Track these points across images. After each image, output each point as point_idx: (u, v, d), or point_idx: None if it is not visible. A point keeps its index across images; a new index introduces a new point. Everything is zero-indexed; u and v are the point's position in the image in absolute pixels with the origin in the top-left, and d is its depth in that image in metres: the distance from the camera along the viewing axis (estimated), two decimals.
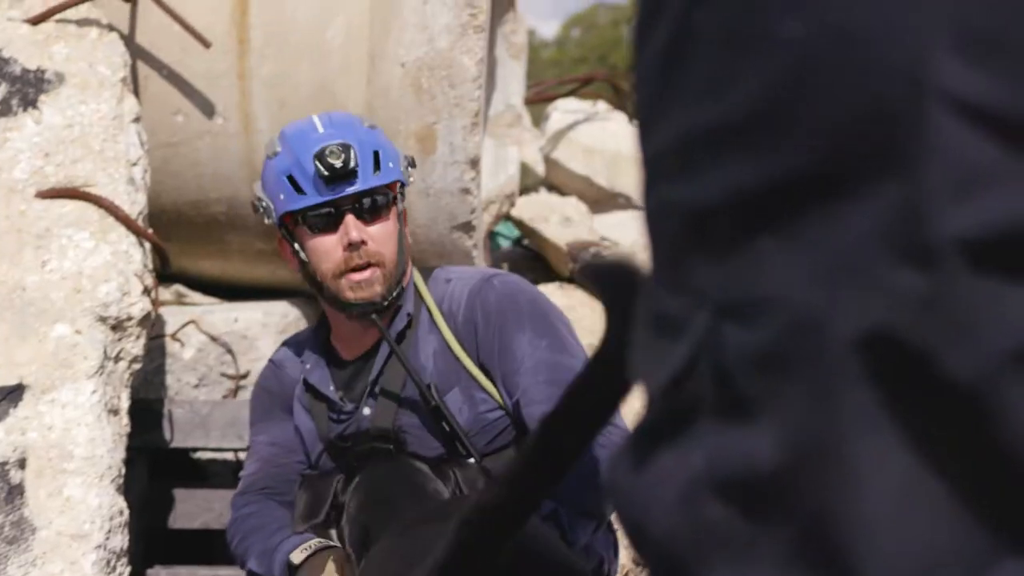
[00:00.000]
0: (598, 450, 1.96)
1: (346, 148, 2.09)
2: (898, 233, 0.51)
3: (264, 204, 2.17)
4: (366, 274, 2.12)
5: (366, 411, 2.17)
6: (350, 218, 2.10)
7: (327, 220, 2.12)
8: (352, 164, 2.08)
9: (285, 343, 2.41)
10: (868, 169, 0.52)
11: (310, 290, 2.25)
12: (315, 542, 2.09)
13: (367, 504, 1.99)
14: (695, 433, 0.58)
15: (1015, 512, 0.52)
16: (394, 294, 2.14)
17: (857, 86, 0.52)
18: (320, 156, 2.08)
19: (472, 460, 2.09)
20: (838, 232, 0.53)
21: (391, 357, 2.16)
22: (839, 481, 0.53)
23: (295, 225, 2.15)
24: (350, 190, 2.09)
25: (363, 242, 2.10)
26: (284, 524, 2.18)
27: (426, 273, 2.27)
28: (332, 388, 2.23)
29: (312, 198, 2.10)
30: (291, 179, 2.11)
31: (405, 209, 2.22)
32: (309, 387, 2.25)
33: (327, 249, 2.12)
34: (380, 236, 2.12)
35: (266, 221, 2.19)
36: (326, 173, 2.07)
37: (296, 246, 2.15)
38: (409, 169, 2.22)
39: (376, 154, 2.12)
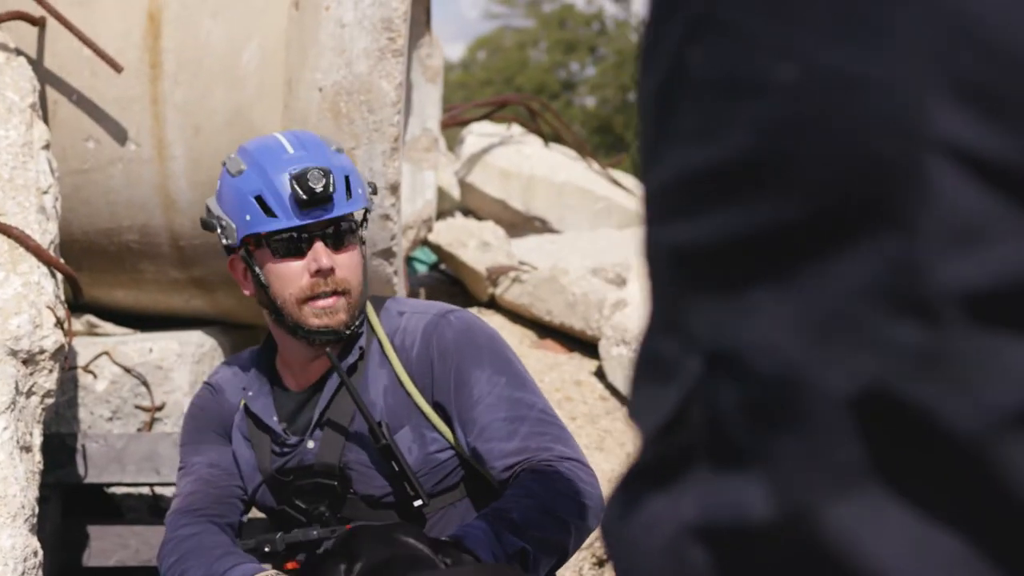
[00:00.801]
0: (558, 483, 1.93)
1: (326, 173, 2.02)
2: (895, 286, 0.50)
3: (224, 223, 2.10)
4: (330, 301, 2.06)
5: (310, 444, 2.12)
6: (319, 244, 2.04)
7: (295, 245, 2.05)
8: (331, 190, 2.02)
9: (225, 364, 2.32)
10: (864, 220, 0.51)
11: (265, 314, 2.16)
12: (271, 572, 2.03)
13: None
14: (687, 480, 0.56)
15: None
16: (356, 323, 2.10)
17: (852, 135, 0.51)
18: (300, 179, 2.01)
19: (420, 501, 2.04)
20: (832, 284, 0.52)
21: (339, 390, 2.11)
22: (838, 538, 0.52)
23: (256, 247, 2.09)
24: (325, 216, 2.02)
25: (332, 269, 2.05)
26: (229, 550, 2.11)
27: (378, 304, 2.21)
28: (275, 419, 2.16)
29: (284, 221, 2.03)
30: (260, 200, 2.05)
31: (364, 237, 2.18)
32: (251, 415, 2.19)
33: (292, 274, 2.06)
34: (348, 264, 2.06)
35: (223, 241, 2.12)
36: (305, 197, 2.01)
37: (257, 269, 2.09)
38: (371, 197, 2.16)
39: (348, 179, 2.06)
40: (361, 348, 2.12)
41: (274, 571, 2.03)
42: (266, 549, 2.08)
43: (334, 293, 2.05)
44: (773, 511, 0.53)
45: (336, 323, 2.06)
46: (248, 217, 2.05)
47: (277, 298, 2.07)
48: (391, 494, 2.07)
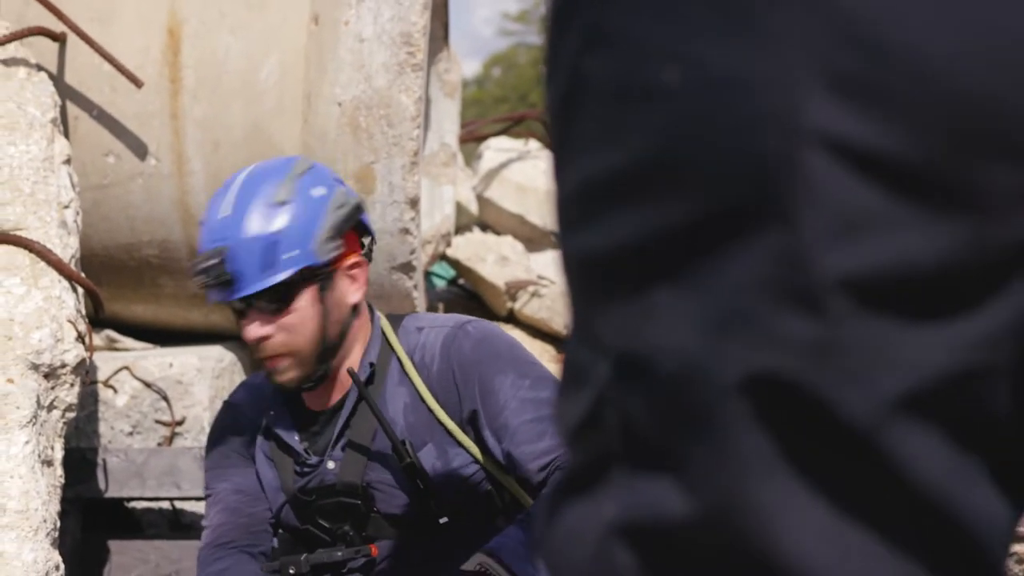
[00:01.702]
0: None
1: (217, 256, 1.97)
2: (783, 279, 0.51)
3: None
4: (276, 363, 2.03)
5: (331, 465, 2.10)
6: (252, 314, 2.01)
7: (235, 311, 2.05)
8: (223, 277, 1.97)
9: (244, 385, 2.30)
10: (751, 216, 0.52)
11: None
12: None
13: None
14: (607, 483, 0.57)
15: (943, 552, 0.52)
16: (320, 372, 2.06)
17: (736, 134, 0.52)
18: (195, 267, 2.00)
19: (444, 519, 2.03)
20: (726, 281, 0.53)
21: (357, 409, 2.10)
22: (756, 530, 0.53)
23: None
24: (233, 297, 1.99)
25: (262, 339, 2.02)
26: None
27: (395, 321, 2.18)
28: (297, 439, 2.15)
29: (212, 294, 2.03)
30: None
31: (340, 280, 2.08)
32: (272, 436, 2.18)
33: (244, 336, 2.06)
34: (288, 326, 2.01)
35: None
36: (201, 284, 2.00)
37: None
38: (331, 243, 2.03)
39: (270, 248, 1.98)
40: (372, 365, 2.11)
41: None
42: (291, 571, 2.07)
43: (274, 356, 2.03)
44: (691, 508, 0.54)
45: (286, 381, 2.06)
46: None
47: None
48: (415, 512, 2.06)
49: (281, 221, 2.00)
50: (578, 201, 0.58)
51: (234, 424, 2.23)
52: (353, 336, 2.11)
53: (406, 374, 2.09)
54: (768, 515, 0.52)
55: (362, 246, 2.12)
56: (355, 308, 2.11)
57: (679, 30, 0.53)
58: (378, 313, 2.19)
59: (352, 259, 2.09)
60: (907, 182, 0.50)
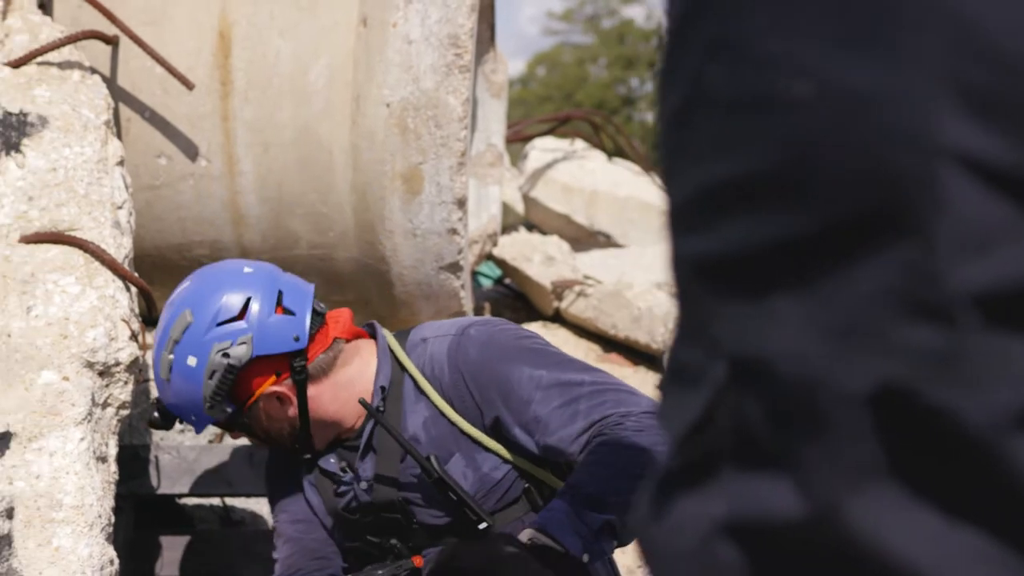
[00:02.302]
0: (625, 441, 1.91)
1: (157, 411, 2.20)
2: (912, 291, 0.52)
3: None
4: (275, 449, 2.21)
5: (363, 484, 2.14)
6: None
7: None
8: (166, 423, 2.20)
9: None
10: (881, 228, 0.53)
11: None
12: None
13: None
14: (716, 481, 0.58)
15: None
16: (371, 411, 2.11)
17: (867, 147, 0.53)
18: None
19: (484, 524, 2.04)
20: (852, 291, 0.53)
21: (376, 431, 2.12)
22: (866, 531, 0.54)
23: None
24: (196, 431, 2.18)
25: (248, 442, 2.24)
26: None
27: (402, 338, 2.19)
28: (332, 461, 2.19)
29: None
30: None
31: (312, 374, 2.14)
32: (313, 462, 2.22)
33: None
34: (257, 436, 2.18)
35: None
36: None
37: None
38: (222, 404, 2.11)
39: (178, 409, 2.16)
40: (384, 388, 2.12)
41: None
42: None
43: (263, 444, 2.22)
44: (800, 509, 0.55)
45: (299, 455, 2.23)
46: None
47: None
48: (454, 521, 2.08)
49: (172, 396, 2.14)
50: (695, 208, 0.59)
51: (282, 455, 2.30)
52: (339, 400, 2.16)
53: (421, 390, 2.10)
54: (878, 517, 0.53)
55: (287, 362, 2.12)
56: (304, 409, 2.15)
57: (808, 43, 0.54)
58: (383, 333, 2.21)
59: (268, 389, 2.11)
60: None
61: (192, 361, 2.06)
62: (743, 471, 0.57)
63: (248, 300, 2.08)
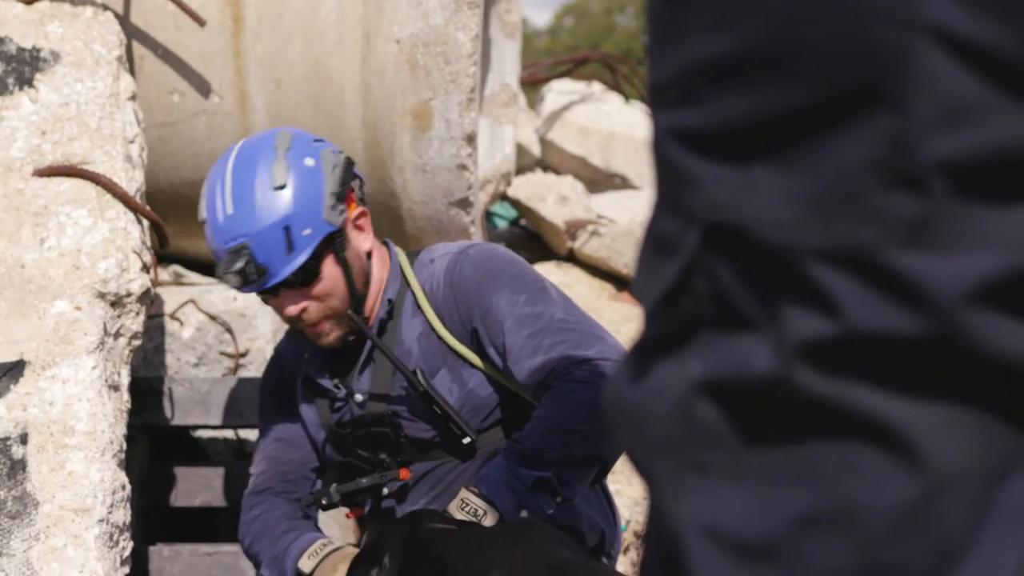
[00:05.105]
0: (573, 395, 1.95)
1: (243, 255, 2.03)
2: (887, 160, 0.54)
3: None
4: (318, 328, 2.13)
5: (358, 397, 2.18)
6: (283, 294, 2.09)
7: (264, 295, 2.14)
8: (252, 274, 2.04)
9: (288, 332, 2.41)
10: (860, 101, 0.55)
11: None
12: (320, 545, 2.10)
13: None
14: (694, 344, 0.61)
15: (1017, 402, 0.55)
16: (358, 323, 2.12)
17: (853, 22, 0.55)
18: (221, 270, 2.07)
19: (468, 439, 2.08)
20: (831, 161, 0.56)
21: (375, 346, 2.16)
22: (827, 390, 0.57)
23: None
24: (266, 286, 2.07)
25: (298, 315, 2.10)
26: (290, 526, 2.18)
27: (412, 256, 2.25)
28: (327, 376, 2.23)
29: (244, 289, 2.09)
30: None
31: (352, 233, 2.14)
32: (309, 377, 2.26)
33: (281, 315, 2.15)
34: (320, 294, 2.09)
35: None
36: (233, 286, 2.08)
37: None
38: (338, 206, 2.09)
39: (286, 231, 2.04)
40: (391, 301, 2.17)
41: (322, 539, 2.10)
42: (323, 502, 2.14)
43: (315, 323, 2.12)
44: (776, 363, 0.57)
45: (332, 342, 2.16)
46: None
47: None
48: (439, 435, 2.12)
49: (287, 203, 2.05)
50: (682, 83, 0.61)
51: (279, 371, 2.35)
52: (376, 277, 2.19)
53: (419, 305, 2.16)
54: (844, 372, 0.56)
55: (354, 192, 2.17)
56: (369, 252, 2.18)
57: None
58: (395, 249, 2.26)
59: (355, 211, 2.15)
60: (1009, 74, 0.53)
61: (310, 161, 2.08)
62: (719, 334, 0.60)
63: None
